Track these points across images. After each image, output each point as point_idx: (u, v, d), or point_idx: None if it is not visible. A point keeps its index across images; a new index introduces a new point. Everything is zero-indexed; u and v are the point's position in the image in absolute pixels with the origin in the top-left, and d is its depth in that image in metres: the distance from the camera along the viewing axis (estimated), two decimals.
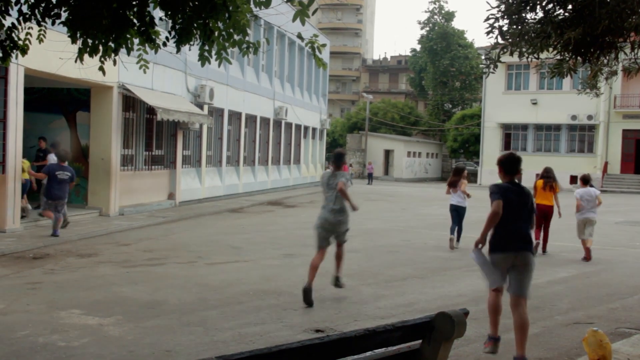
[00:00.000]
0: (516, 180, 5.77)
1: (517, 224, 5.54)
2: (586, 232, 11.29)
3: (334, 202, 7.80)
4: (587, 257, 11.30)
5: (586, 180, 11.48)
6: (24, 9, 5.24)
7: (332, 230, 7.85)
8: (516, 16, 6.54)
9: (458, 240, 12.41)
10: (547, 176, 11.77)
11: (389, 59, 75.60)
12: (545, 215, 11.68)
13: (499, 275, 5.56)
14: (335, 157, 8.09)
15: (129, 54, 5.51)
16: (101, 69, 5.66)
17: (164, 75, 17.96)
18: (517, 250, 5.47)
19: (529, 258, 5.50)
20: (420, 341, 3.19)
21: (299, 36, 5.71)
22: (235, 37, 5.23)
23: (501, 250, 5.51)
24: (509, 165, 5.73)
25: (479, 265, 5.67)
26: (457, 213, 12.39)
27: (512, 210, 5.49)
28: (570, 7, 6.47)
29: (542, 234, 11.90)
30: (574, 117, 39.28)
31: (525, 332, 5.37)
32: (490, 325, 5.72)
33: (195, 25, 4.89)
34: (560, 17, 6.50)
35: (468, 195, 12.45)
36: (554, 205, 11.74)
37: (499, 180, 5.86)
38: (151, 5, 5.05)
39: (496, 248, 5.55)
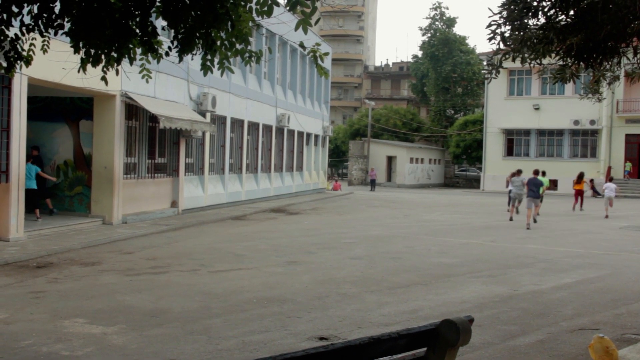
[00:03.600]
0: (539, 176, 19.59)
1: (531, 190, 18.33)
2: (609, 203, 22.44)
3: (520, 187, 20.05)
4: (607, 216, 21.61)
5: (611, 179, 24.04)
6: (27, 20, 5.26)
7: (519, 198, 20.36)
8: (518, 22, 6.55)
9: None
10: (579, 178, 25.39)
11: (390, 66, 75.67)
12: (580, 193, 24.98)
13: (530, 204, 18.22)
14: (517, 171, 21.05)
15: (131, 63, 5.53)
16: (104, 78, 5.69)
17: (166, 83, 18.01)
18: (531, 197, 18.27)
19: (535, 199, 18.36)
20: (425, 349, 3.18)
21: (301, 45, 5.73)
22: (238, 46, 5.25)
23: (527, 197, 18.60)
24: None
25: (526, 201, 18.64)
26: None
27: (530, 185, 18.52)
28: (572, 12, 6.48)
29: (579, 203, 24.99)
30: (576, 122, 39.21)
31: (530, 214, 18.32)
32: (527, 218, 18.32)
33: (197, 34, 4.90)
34: (562, 23, 6.51)
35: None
36: (584, 190, 25.40)
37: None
38: (153, 15, 5.06)
39: (527, 195, 18.55)
